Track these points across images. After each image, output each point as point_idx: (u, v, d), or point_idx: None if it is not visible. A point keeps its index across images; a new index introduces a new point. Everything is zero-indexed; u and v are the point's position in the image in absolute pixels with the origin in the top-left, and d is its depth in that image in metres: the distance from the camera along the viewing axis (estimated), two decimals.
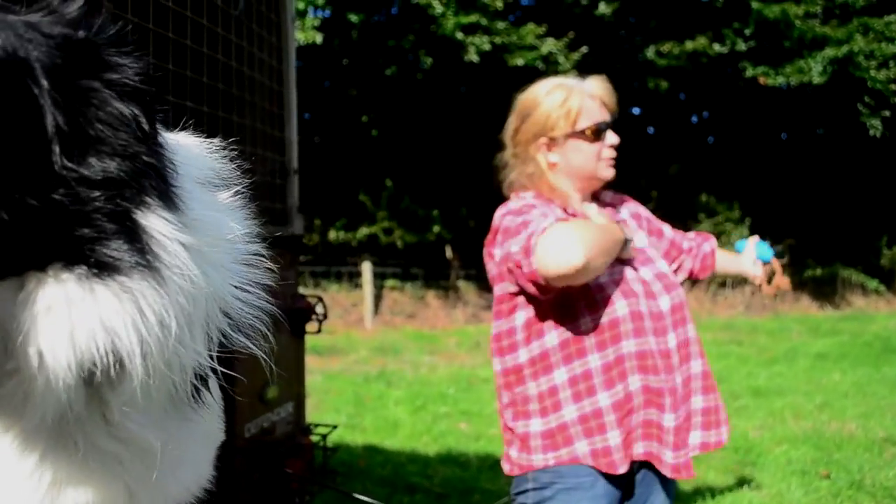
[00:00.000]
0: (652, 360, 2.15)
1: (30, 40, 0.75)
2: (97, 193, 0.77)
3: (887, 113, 12.66)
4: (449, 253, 13.82)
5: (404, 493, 4.82)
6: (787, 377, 8.36)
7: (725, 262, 2.60)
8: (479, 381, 8.04)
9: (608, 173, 2.26)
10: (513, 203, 2.23)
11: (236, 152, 1.02)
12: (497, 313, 2.26)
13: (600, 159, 2.23)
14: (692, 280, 2.61)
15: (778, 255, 2.60)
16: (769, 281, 2.59)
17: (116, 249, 0.77)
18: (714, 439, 2.26)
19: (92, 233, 0.77)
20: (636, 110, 16.03)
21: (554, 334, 2.17)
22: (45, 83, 0.74)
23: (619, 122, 2.28)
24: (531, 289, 2.07)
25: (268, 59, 2.47)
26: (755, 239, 2.60)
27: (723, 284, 14.04)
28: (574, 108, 2.17)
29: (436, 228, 13.27)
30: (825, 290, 14.63)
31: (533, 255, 1.97)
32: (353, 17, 12.46)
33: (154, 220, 0.80)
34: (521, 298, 2.19)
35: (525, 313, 2.19)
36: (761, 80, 12.14)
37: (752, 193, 14.91)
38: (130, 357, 0.77)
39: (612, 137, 2.24)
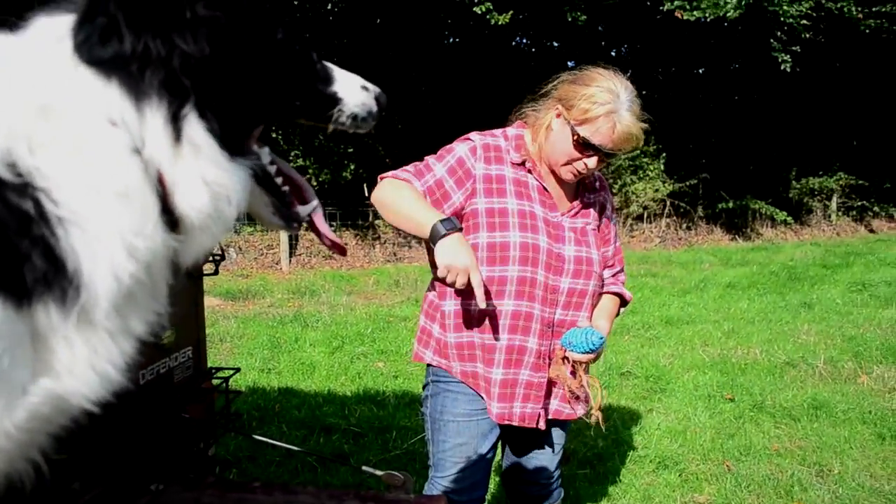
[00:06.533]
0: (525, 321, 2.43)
1: None
2: None
3: (798, 48, 12.90)
4: (366, 192, 13.59)
5: (321, 433, 4.78)
6: (698, 307, 8.64)
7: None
8: (397, 319, 7.99)
9: (566, 177, 2.44)
10: (461, 141, 2.49)
11: None
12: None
13: (569, 163, 2.41)
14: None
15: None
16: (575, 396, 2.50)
17: None
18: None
19: None
20: (555, 44, 15.90)
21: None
22: None
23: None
24: None
25: None
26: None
27: (639, 218, 14.31)
28: (594, 116, 2.31)
29: (351, 166, 12.96)
30: (737, 223, 15.11)
31: None
32: None
33: None
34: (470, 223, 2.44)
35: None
36: (678, 13, 12.14)
37: (668, 128, 15.12)
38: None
39: (592, 161, 2.38)
